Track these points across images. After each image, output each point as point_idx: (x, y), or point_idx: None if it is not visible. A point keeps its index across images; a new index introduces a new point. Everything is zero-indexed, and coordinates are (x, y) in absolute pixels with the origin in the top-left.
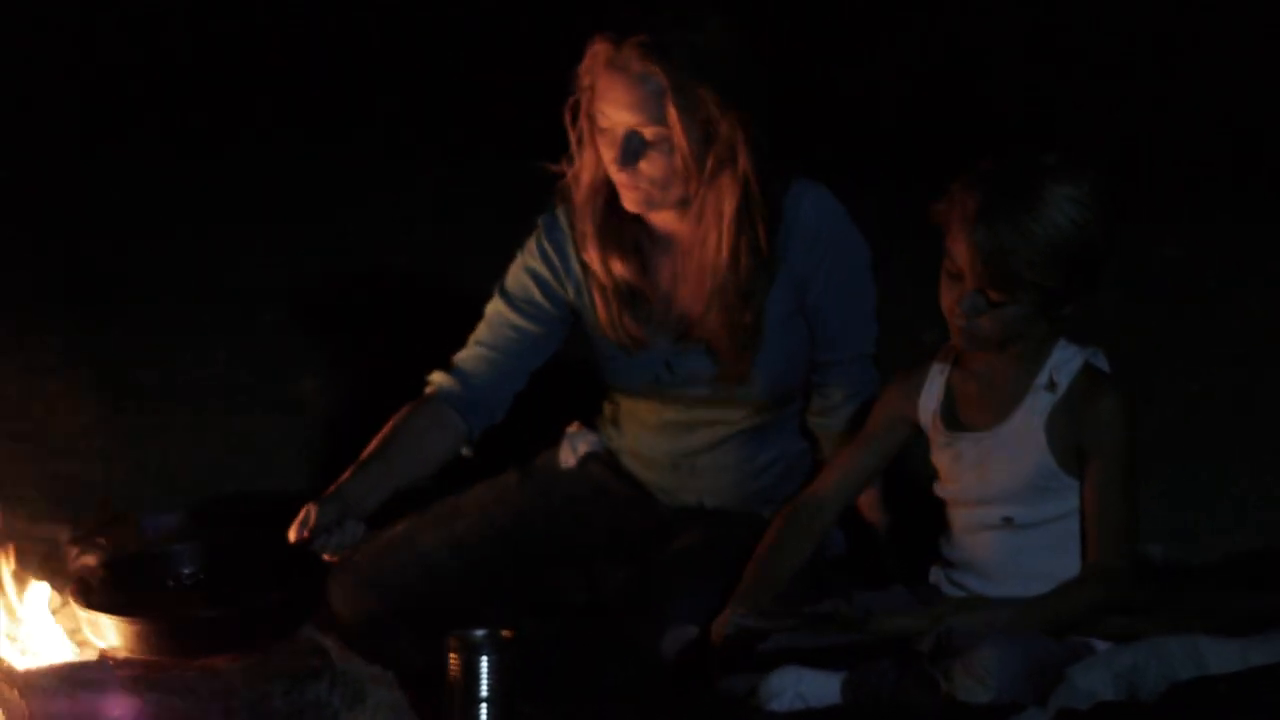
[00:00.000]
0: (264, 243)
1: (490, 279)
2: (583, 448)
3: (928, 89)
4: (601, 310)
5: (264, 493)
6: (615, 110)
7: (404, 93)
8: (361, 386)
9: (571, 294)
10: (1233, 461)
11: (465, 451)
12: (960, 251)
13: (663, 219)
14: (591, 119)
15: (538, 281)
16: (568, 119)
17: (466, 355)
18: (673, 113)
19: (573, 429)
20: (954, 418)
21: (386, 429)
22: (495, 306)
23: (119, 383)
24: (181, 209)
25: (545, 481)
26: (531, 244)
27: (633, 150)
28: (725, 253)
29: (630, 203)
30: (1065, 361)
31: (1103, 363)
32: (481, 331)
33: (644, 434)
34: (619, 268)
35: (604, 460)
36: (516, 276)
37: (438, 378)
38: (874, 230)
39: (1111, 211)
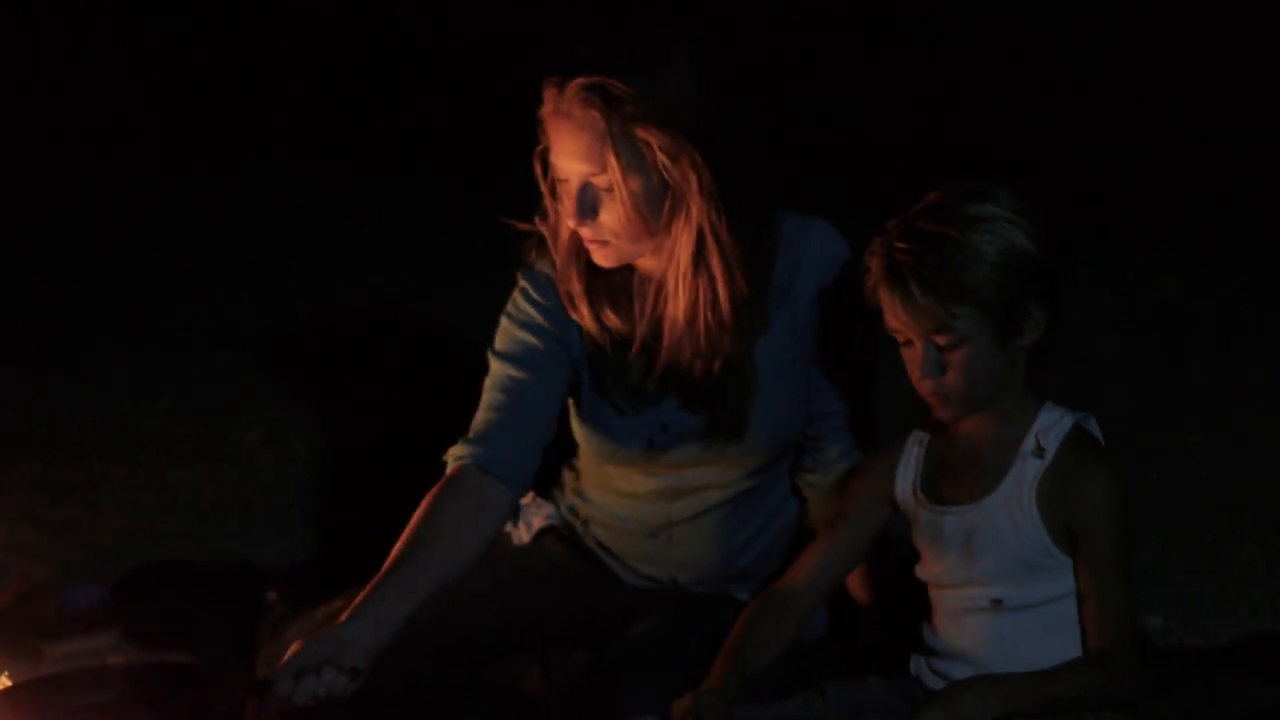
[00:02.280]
0: (212, 280)
1: (457, 321)
2: (538, 521)
3: (919, 120)
4: (600, 368)
5: (202, 561)
6: (564, 160)
7: (359, 128)
8: (312, 438)
9: (575, 348)
10: (1237, 521)
11: (510, 527)
12: (891, 313)
13: (644, 263)
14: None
15: (538, 334)
16: (538, 169)
17: (483, 421)
18: (612, 159)
19: (526, 500)
20: (935, 491)
21: (416, 524)
22: (498, 370)
23: (50, 433)
24: (123, 243)
25: (496, 558)
26: (520, 302)
27: (588, 202)
28: (683, 308)
29: (601, 258)
30: (1052, 424)
31: (1094, 428)
32: (493, 398)
33: (620, 502)
34: (613, 320)
35: (561, 534)
36: (511, 335)
37: (461, 450)
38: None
39: (1029, 217)
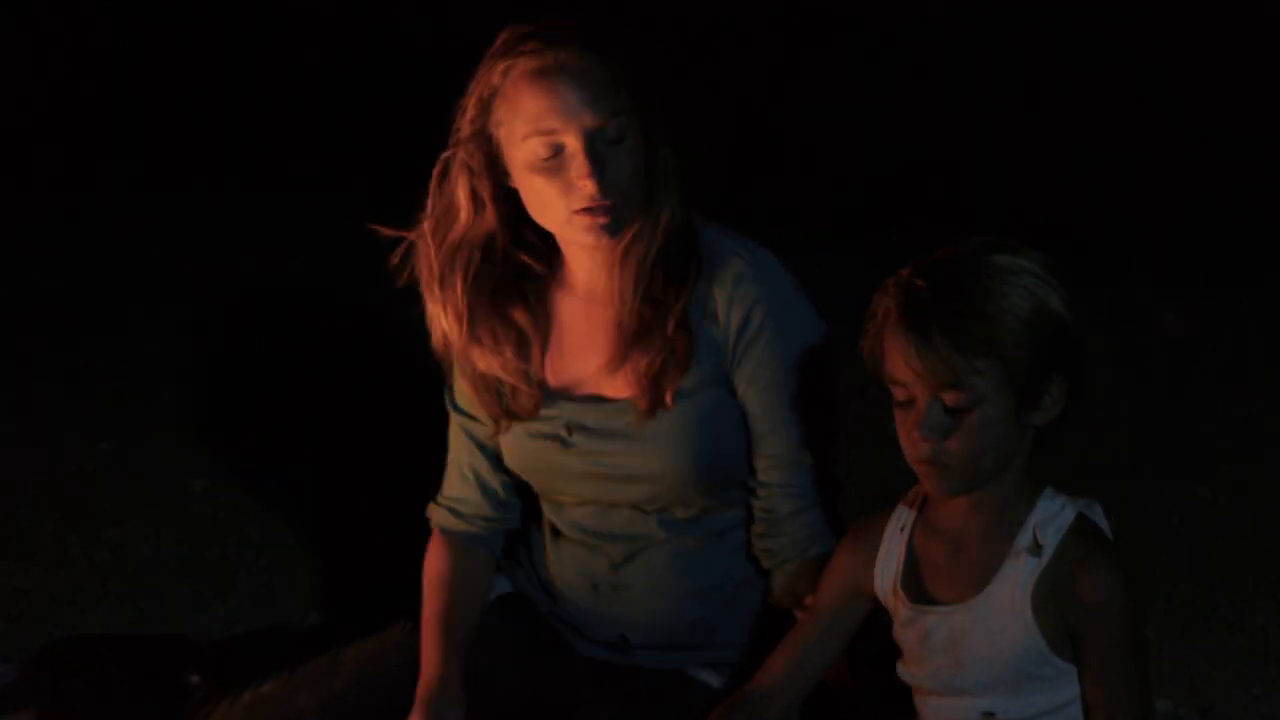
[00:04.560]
0: (199, 281)
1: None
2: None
3: (917, 125)
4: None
5: (127, 634)
6: (565, 118)
7: (358, 128)
8: (261, 488)
9: None
10: (1250, 587)
11: None
12: (898, 362)
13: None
14: (497, 167)
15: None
16: (437, 176)
17: (453, 482)
18: (626, 96)
19: None
20: (919, 588)
21: (439, 591)
22: (453, 421)
23: None
24: (116, 245)
25: None
26: None
27: (598, 154)
28: (633, 296)
29: (607, 231)
30: (1052, 516)
31: (1099, 516)
32: (454, 450)
33: (563, 552)
34: (510, 339)
35: (513, 604)
36: (455, 382)
37: (443, 519)
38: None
39: (1060, 277)
